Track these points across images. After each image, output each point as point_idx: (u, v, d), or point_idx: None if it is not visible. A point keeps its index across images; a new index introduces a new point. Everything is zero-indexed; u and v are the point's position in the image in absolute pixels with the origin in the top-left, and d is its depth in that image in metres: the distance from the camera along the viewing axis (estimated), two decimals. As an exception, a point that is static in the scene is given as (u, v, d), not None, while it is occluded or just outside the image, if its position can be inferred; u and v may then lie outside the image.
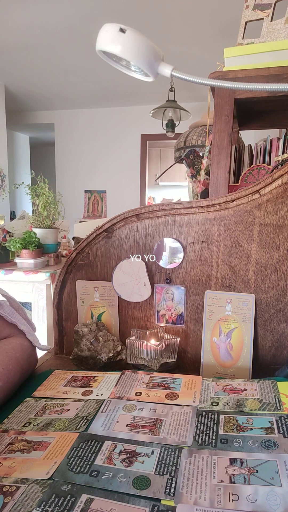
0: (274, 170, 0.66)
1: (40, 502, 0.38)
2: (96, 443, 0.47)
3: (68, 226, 2.52)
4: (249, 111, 1.14)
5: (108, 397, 0.58)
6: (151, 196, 5.57)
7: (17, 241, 1.80)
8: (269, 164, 1.20)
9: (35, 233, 1.86)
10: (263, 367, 0.71)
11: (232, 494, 0.38)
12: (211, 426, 0.50)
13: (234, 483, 0.40)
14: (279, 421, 0.49)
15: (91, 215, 5.19)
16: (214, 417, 0.52)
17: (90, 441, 0.47)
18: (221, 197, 0.68)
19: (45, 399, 0.59)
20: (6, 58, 3.42)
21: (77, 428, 0.50)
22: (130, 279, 0.76)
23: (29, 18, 2.70)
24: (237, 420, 0.50)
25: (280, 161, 0.86)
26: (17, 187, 2.14)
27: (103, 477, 0.41)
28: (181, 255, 0.73)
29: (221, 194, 0.96)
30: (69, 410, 0.55)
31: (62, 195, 2.15)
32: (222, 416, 0.52)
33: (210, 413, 0.53)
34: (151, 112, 2.84)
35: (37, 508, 0.37)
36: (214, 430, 0.49)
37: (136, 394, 0.58)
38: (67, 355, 0.82)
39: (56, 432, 0.50)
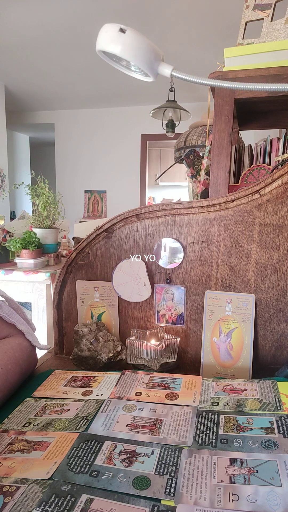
0: (274, 170, 0.66)
1: (40, 502, 0.38)
2: (96, 443, 0.47)
3: (68, 226, 2.52)
4: (249, 111, 1.14)
5: (108, 397, 0.58)
6: (151, 196, 5.57)
7: (17, 241, 1.80)
8: (269, 164, 1.20)
9: (35, 233, 1.86)
10: (263, 367, 0.71)
11: (232, 494, 0.38)
12: (211, 426, 0.50)
13: (234, 483, 0.39)
14: (279, 421, 0.49)
15: (91, 215, 5.19)
16: (214, 417, 0.51)
17: (90, 441, 0.47)
18: (221, 197, 0.68)
19: (45, 399, 0.59)
20: (6, 58, 3.42)
21: (77, 428, 0.50)
22: (130, 279, 0.76)
23: (29, 18, 2.70)
24: (237, 420, 0.50)
25: (280, 161, 0.86)
26: (17, 187, 2.14)
27: (103, 477, 0.41)
28: (181, 255, 0.72)
29: (221, 194, 0.96)
30: (69, 410, 0.55)
31: (62, 195, 2.15)
32: (222, 416, 0.52)
33: (210, 413, 0.52)
34: (151, 112, 2.84)
35: (37, 508, 0.37)
36: (214, 430, 0.49)
37: (136, 394, 0.58)
38: (67, 355, 0.82)
39: (56, 432, 0.50)
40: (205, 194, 1.26)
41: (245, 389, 0.58)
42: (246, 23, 0.93)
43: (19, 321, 0.70)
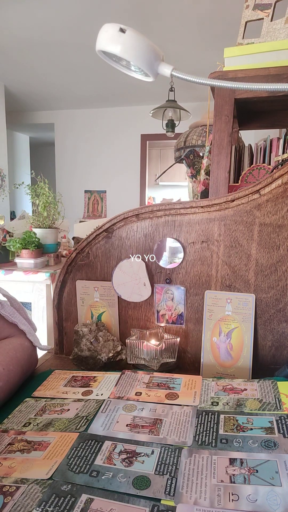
0: (274, 170, 0.66)
1: (40, 502, 0.38)
2: (96, 443, 0.47)
3: (68, 226, 2.52)
4: (249, 111, 1.15)
5: (108, 397, 0.58)
6: (151, 196, 5.57)
7: (17, 241, 1.80)
8: (269, 164, 1.20)
9: (35, 233, 1.86)
10: (263, 367, 0.71)
11: (232, 494, 0.38)
12: (211, 426, 0.50)
13: (234, 483, 0.39)
14: (279, 421, 0.49)
15: (91, 215, 5.19)
16: (214, 417, 0.52)
17: (90, 441, 0.47)
18: (221, 197, 0.68)
19: (45, 399, 0.59)
20: (6, 58, 3.42)
21: (77, 428, 0.50)
22: (130, 279, 0.76)
23: (29, 18, 2.70)
24: (237, 420, 0.50)
25: (280, 161, 0.86)
26: (17, 187, 2.14)
27: (103, 477, 0.41)
28: (181, 255, 0.73)
29: (221, 194, 0.96)
30: (69, 410, 0.55)
31: (62, 195, 2.15)
32: (222, 416, 0.52)
33: (210, 413, 0.53)
34: (151, 112, 2.84)
35: (37, 508, 0.37)
36: (214, 430, 0.49)
37: (136, 394, 0.58)
38: (67, 355, 0.82)
39: (56, 432, 0.50)
40: (205, 194, 1.26)
41: (245, 389, 0.58)
42: (246, 23, 0.93)
43: (21, 321, 0.70)
